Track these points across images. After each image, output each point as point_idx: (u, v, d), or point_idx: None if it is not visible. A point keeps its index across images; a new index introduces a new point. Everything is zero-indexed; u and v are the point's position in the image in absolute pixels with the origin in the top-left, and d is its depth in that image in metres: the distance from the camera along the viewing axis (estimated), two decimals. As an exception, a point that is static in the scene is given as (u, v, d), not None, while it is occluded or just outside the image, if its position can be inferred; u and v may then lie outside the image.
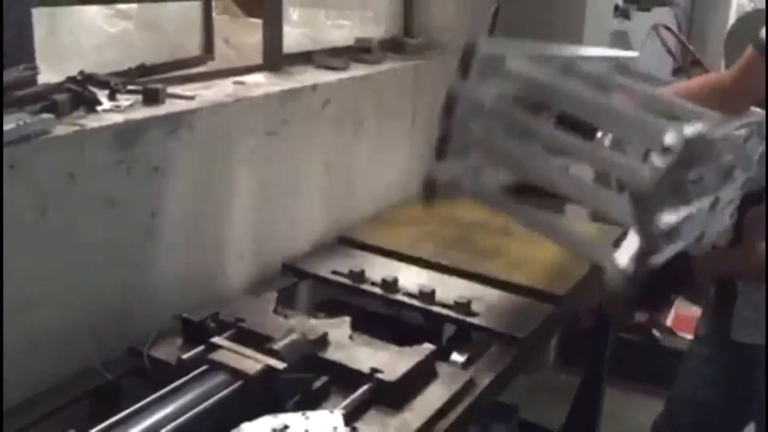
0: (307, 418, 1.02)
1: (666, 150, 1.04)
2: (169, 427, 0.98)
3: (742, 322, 1.55)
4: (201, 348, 1.23)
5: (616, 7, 3.01)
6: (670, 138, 1.04)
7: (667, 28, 3.33)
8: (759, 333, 1.50)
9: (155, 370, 1.24)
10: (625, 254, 1.11)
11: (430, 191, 1.27)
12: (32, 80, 1.30)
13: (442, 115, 1.22)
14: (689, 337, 2.08)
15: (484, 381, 1.29)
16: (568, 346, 2.76)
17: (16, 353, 1.20)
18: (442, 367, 1.29)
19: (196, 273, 1.52)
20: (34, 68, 1.29)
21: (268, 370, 1.12)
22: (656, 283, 1.29)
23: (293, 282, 1.59)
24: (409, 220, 1.84)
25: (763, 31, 1.26)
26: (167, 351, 1.28)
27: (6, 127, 1.16)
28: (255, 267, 1.64)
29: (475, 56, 1.21)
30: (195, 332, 1.30)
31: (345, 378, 1.19)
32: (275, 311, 1.40)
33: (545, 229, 1.29)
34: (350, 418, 1.12)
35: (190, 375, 1.11)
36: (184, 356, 1.21)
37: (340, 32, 2.26)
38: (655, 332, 2.76)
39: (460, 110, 1.21)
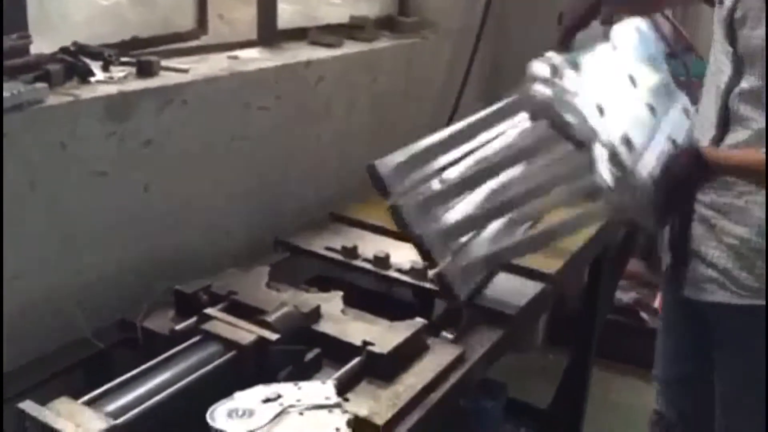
0: (299, 388, 1.03)
1: None
2: (163, 394, 0.99)
3: (697, 279, 1.45)
4: (193, 319, 1.23)
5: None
6: None
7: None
8: (713, 291, 1.42)
9: (147, 341, 1.24)
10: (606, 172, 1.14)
11: None
12: (25, 49, 1.29)
13: None
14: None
15: (475, 356, 1.30)
16: (557, 327, 2.79)
17: (7, 322, 1.20)
18: (433, 342, 1.30)
19: (188, 246, 1.52)
20: (27, 37, 1.29)
21: (261, 340, 1.12)
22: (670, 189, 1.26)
23: (285, 257, 1.59)
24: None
25: None
26: (159, 322, 1.28)
27: (-1, 95, 1.15)
28: (247, 241, 1.64)
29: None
30: (187, 304, 1.30)
31: (337, 350, 1.20)
32: (267, 285, 1.40)
33: (545, 243, 1.37)
34: (342, 389, 1.12)
35: (184, 345, 1.11)
36: (177, 327, 1.22)
37: (334, 10, 2.25)
38: (643, 314, 2.79)
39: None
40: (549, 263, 1.58)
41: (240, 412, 0.95)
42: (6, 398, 1.08)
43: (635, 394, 2.36)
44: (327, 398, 1.00)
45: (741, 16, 1.30)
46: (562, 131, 1.16)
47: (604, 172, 1.14)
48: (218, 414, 0.95)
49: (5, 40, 1.25)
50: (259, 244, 1.62)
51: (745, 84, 1.31)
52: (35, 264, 1.25)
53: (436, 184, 1.31)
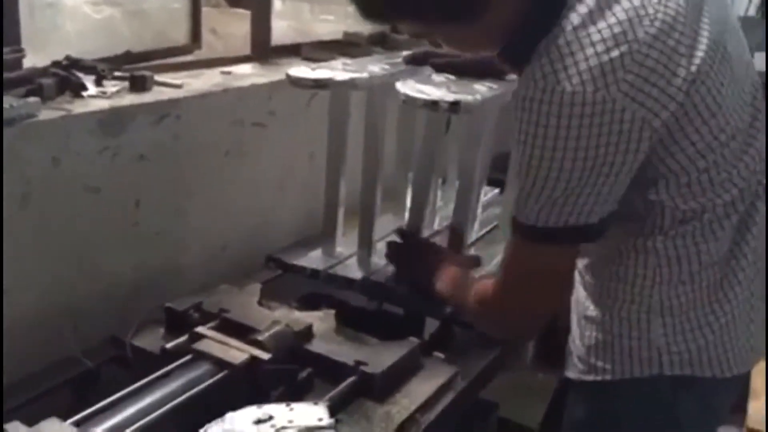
0: (291, 409, 1.01)
1: None
2: (153, 415, 0.98)
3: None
4: (184, 338, 1.22)
5: None
6: None
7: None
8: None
9: (137, 360, 1.23)
10: None
11: None
12: (18, 63, 1.29)
13: None
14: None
15: (469, 376, 1.29)
16: (546, 346, 2.78)
17: (-5, 340, 1.18)
18: (425, 362, 1.29)
19: (180, 262, 1.51)
20: (20, 51, 1.28)
21: (253, 360, 1.11)
22: None
23: (277, 274, 1.58)
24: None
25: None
26: (150, 340, 1.26)
27: (-10, 109, 1.14)
28: (239, 258, 1.63)
29: None
30: (178, 322, 1.29)
31: (329, 370, 1.19)
32: (259, 303, 1.39)
33: None
34: (334, 409, 1.11)
35: (174, 364, 1.10)
36: (167, 346, 1.20)
37: (328, 26, 2.26)
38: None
39: None
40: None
41: (231, 434, 0.94)
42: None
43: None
44: (319, 419, 0.99)
45: None
46: None
47: None
48: (210, 436, 0.93)
49: (-2, 54, 1.24)
50: (251, 260, 1.61)
51: None
52: (25, 280, 1.23)
53: None
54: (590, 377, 1.13)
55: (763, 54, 2.76)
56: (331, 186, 1.55)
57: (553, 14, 0.92)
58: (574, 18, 0.91)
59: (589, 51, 0.89)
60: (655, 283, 1.05)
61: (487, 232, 1.75)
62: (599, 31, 0.89)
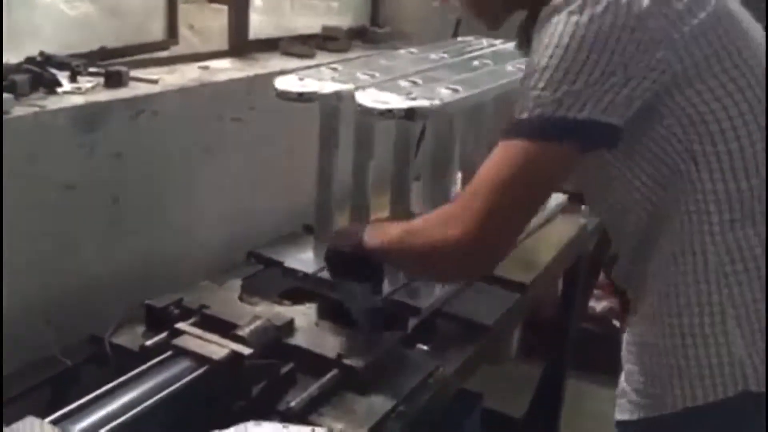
0: (286, 428, 1.00)
1: None
2: (133, 412, 0.96)
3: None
4: (164, 335, 1.21)
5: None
6: None
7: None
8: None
9: (117, 358, 1.21)
10: None
11: None
12: (-10, 59, 1.27)
13: None
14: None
15: (451, 368, 1.29)
16: (530, 337, 2.79)
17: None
18: (409, 355, 1.29)
19: (159, 260, 1.49)
20: (-8, 47, 1.26)
21: (234, 355, 1.10)
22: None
23: (258, 270, 1.57)
24: (376, 207, 1.84)
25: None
26: (129, 338, 1.25)
27: (-39, 106, 1.12)
28: (219, 254, 1.62)
29: None
30: (158, 319, 1.27)
31: (312, 364, 1.18)
32: (240, 298, 1.38)
33: None
34: (317, 403, 1.11)
35: (154, 361, 1.09)
36: (147, 343, 1.19)
37: (306, 20, 2.24)
38: (616, 322, 2.81)
39: None
40: (524, 274, 1.59)
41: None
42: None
43: (610, 403, 2.37)
44: None
45: None
46: None
47: None
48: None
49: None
50: (232, 256, 1.60)
51: None
52: (1, 278, 1.22)
53: None
54: (655, 413, 1.02)
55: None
56: (323, 189, 1.53)
57: None
58: None
59: None
60: (720, 280, 0.97)
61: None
62: None
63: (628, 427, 1.06)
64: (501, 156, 0.95)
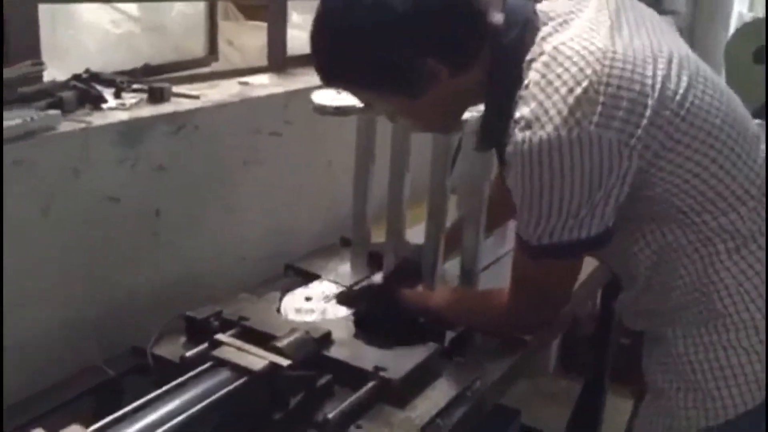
0: None
1: None
2: (173, 422, 0.98)
3: None
4: (204, 346, 1.22)
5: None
6: None
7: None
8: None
9: (158, 368, 1.23)
10: None
11: None
12: (38, 77, 1.30)
13: None
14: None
15: (488, 381, 1.28)
16: (569, 352, 2.76)
17: (17, 350, 1.19)
18: (446, 367, 1.28)
19: (199, 271, 1.51)
20: (41, 64, 1.30)
21: (273, 366, 1.11)
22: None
23: (296, 282, 1.58)
24: (414, 219, 1.84)
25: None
26: (170, 349, 1.27)
27: (12, 122, 1.16)
28: (257, 267, 1.63)
29: None
30: (198, 331, 1.29)
31: (349, 376, 1.19)
32: (278, 310, 1.40)
33: None
34: (354, 415, 1.11)
35: (195, 371, 1.10)
36: (187, 354, 1.21)
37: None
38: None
39: None
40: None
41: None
42: (16, 427, 1.07)
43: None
44: None
45: None
46: None
47: None
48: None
49: (19, 67, 1.26)
50: (270, 269, 1.61)
51: None
52: (46, 291, 1.25)
53: None
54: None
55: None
56: (359, 202, 1.55)
57: (511, 80, 1.02)
58: (533, 75, 1.00)
59: (555, 97, 0.97)
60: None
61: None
62: (558, 76, 0.98)
63: None
64: (519, 271, 1.16)
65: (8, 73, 1.24)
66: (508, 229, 1.77)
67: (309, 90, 1.74)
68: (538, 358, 2.52)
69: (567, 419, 2.29)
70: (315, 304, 1.45)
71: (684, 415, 1.08)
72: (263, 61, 1.88)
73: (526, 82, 1.01)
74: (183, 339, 1.30)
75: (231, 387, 1.07)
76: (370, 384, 1.16)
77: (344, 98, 1.43)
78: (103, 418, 0.97)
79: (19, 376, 1.18)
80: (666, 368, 1.12)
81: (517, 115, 1.00)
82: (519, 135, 0.99)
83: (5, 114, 1.17)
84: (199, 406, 1.01)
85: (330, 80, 1.13)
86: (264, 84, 1.75)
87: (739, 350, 1.05)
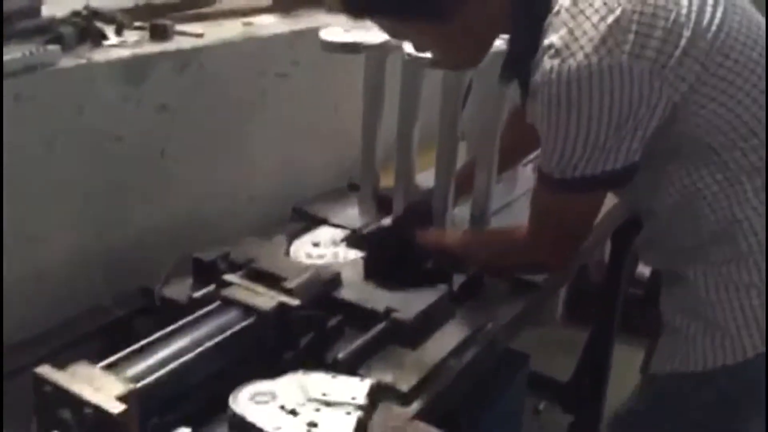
0: (334, 377, 0.99)
1: None
2: (182, 360, 0.97)
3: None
4: (212, 287, 1.21)
5: None
6: None
7: None
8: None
9: (166, 309, 1.22)
10: None
11: None
12: (36, 11, 1.26)
13: None
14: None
15: (499, 324, 1.27)
16: (576, 301, 2.75)
17: (24, 288, 1.18)
18: (456, 311, 1.27)
19: (206, 213, 1.49)
20: (38, -2, 1.25)
21: (282, 306, 1.09)
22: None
23: (304, 226, 1.56)
24: (423, 166, 1.81)
25: None
26: (178, 290, 1.26)
27: (11, 56, 1.12)
28: (264, 209, 1.61)
29: None
30: (206, 272, 1.27)
31: (359, 317, 1.17)
32: (286, 253, 1.38)
33: None
34: (365, 355, 1.10)
35: (204, 310, 1.09)
36: (195, 295, 1.19)
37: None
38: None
39: None
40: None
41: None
42: (24, 365, 1.06)
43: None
44: (353, 398, 0.96)
45: None
46: None
47: None
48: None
49: (16, 0, 1.22)
50: (278, 212, 1.59)
51: None
52: (53, 226, 1.23)
53: None
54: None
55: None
56: (368, 146, 1.52)
57: (541, 4, 0.99)
58: (564, 0, 0.97)
59: (586, 25, 0.94)
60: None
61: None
62: (590, 4, 0.95)
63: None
64: (541, 205, 1.14)
65: (6, 6, 1.20)
66: (518, 173, 1.74)
67: (315, 30, 1.69)
68: (548, 302, 2.51)
69: (574, 368, 2.29)
70: (324, 249, 1.43)
71: (701, 354, 1.07)
72: (268, 1, 1.82)
73: (556, 8, 0.97)
74: (190, 280, 1.29)
75: (240, 326, 1.05)
76: (382, 325, 1.15)
77: (353, 35, 1.39)
78: (111, 356, 0.96)
79: (25, 314, 1.17)
80: (685, 308, 1.10)
81: (546, 42, 0.97)
82: (547, 63, 0.96)
83: (4, 48, 1.13)
84: (208, 344, 1.00)
85: (358, 9, 1.09)
86: (269, 24, 1.70)
87: (761, 290, 1.03)
